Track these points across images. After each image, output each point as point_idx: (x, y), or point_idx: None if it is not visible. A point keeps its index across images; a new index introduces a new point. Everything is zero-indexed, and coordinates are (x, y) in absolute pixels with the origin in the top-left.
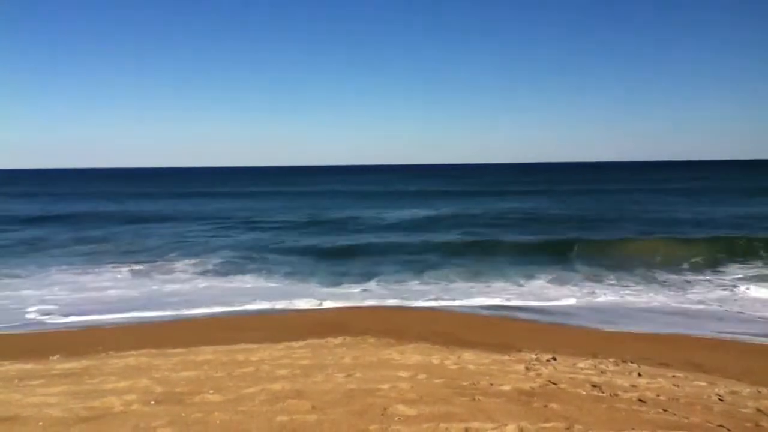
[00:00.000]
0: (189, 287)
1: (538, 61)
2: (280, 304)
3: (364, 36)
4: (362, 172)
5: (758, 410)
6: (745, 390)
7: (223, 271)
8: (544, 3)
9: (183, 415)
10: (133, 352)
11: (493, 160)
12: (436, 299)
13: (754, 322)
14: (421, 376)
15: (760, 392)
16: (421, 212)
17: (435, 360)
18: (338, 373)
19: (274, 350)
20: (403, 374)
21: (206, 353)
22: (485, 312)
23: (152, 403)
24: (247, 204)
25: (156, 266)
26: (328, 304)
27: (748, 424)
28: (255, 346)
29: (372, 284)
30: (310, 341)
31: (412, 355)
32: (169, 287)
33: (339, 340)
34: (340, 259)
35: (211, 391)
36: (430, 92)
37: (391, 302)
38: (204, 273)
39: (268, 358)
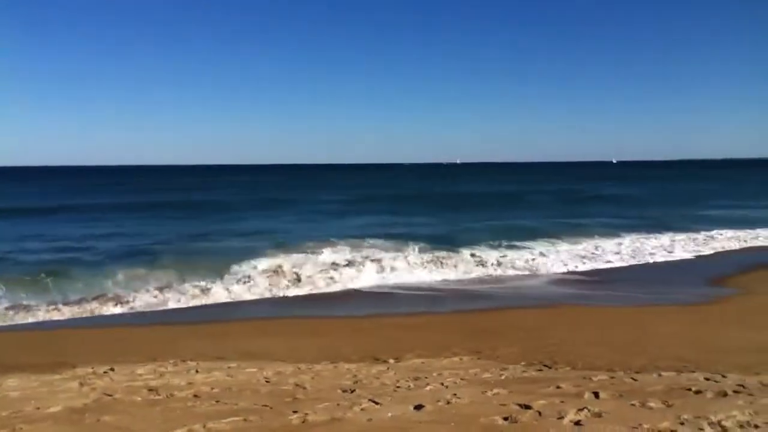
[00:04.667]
0: None
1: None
2: None
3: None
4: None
5: (296, 385)
6: (288, 369)
7: None
8: None
9: None
10: None
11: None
12: None
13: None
14: None
15: (299, 368)
16: None
17: None
18: None
19: None
20: None
21: None
22: (38, 328)
23: None
24: None
25: None
26: None
27: (288, 399)
28: None
29: None
30: None
31: None
32: None
33: None
34: None
35: None
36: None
37: None
38: None
39: None
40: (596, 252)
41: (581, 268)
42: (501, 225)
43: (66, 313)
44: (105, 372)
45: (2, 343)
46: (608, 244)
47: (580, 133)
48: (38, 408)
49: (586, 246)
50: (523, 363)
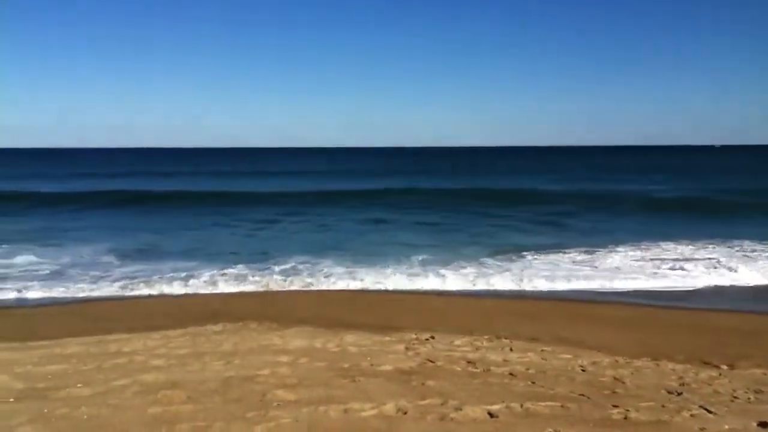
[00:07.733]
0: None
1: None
2: (156, 290)
3: None
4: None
5: (615, 378)
6: (605, 360)
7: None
8: None
9: (46, 411)
10: None
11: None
12: (328, 279)
13: None
14: (302, 360)
15: (617, 361)
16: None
17: (317, 343)
18: (216, 361)
19: (149, 340)
20: (284, 359)
21: (74, 345)
22: (371, 292)
23: (11, 400)
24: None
25: None
26: (212, 289)
27: (606, 392)
28: (128, 336)
29: (260, 266)
30: (189, 329)
31: (293, 339)
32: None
33: (219, 327)
34: (224, 240)
35: (79, 385)
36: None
37: (275, 286)
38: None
39: (142, 349)
40: None
41: None
42: None
43: (391, 283)
44: (427, 339)
45: (344, 303)
46: None
47: None
48: (372, 365)
49: None
50: None
